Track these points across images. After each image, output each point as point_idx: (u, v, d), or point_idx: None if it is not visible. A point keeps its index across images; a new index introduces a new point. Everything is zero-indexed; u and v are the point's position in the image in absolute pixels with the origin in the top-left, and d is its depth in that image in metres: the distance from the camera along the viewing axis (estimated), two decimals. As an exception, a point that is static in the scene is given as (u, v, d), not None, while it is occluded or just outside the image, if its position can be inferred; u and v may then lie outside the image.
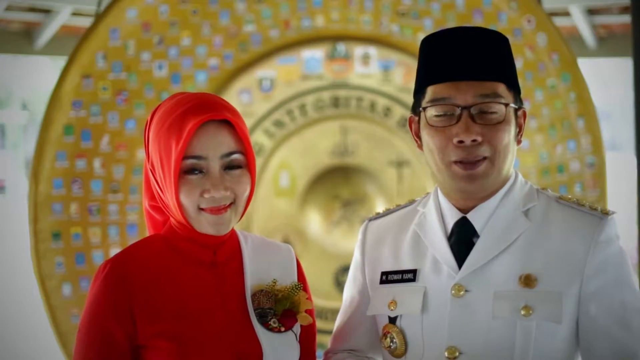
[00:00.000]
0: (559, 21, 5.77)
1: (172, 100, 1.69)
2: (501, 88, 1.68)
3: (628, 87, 4.53)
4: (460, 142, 1.65)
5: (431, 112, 1.69)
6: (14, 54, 8.28)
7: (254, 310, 1.69)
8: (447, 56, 1.68)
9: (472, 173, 1.66)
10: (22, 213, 4.22)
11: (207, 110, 1.63)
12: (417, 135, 1.77)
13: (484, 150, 1.66)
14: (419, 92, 1.74)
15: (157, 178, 1.68)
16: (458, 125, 1.65)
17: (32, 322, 7.22)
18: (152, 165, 1.68)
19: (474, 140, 1.64)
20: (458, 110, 1.65)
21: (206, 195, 1.64)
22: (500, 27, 4.16)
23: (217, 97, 1.71)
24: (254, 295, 1.71)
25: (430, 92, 1.70)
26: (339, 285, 4.23)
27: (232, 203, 1.66)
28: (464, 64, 1.66)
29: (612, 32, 6.72)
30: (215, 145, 1.64)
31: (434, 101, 1.68)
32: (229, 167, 1.66)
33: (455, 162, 1.67)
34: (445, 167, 1.69)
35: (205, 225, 1.66)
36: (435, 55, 1.71)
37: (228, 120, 1.65)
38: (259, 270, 1.75)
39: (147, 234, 1.81)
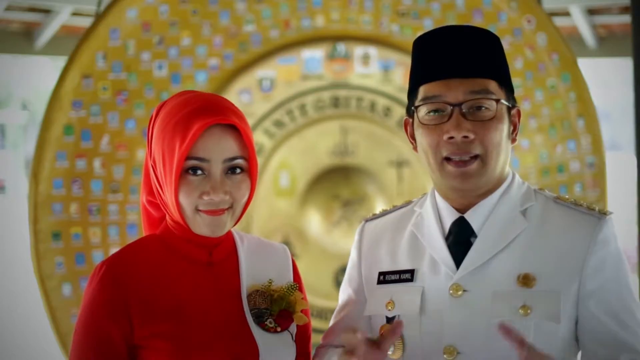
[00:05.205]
0: (559, 21, 5.77)
1: (180, 99, 1.68)
2: (492, 85, 1.68)
3: (628, 87, 4.53)
4: (451, 138, 1.65)
5: (423, 110, 1.69)
6: (14, 54, 8.27)
7: (250, 310, 1.69)
8: (437, 55, 1.69)
9: (465, 171, 1.67)
10: (22, 213, 4.22)
11: (214, 113, 1.62)
12: (413, 137, 1.77)
13: (475, 148, 1.66)
14: (412, 93, 1.74)
15: (157, 175, 1.68)
16: (449, 123, 1.66)
17: (32, 322, 7.22)
18: (154, 162, 1.68)
19: (465, 137, 1.65)
20: (449, 108, 1.66)
21: (205, 198, 1.63)
22: (500, 27, 4.16)
23: (224, 99, 1.70)
24: (249, 295, 1.71)
25: (422, 91, 1.70)
26: (339, 285, 4.21)
27: (230, 207, 1.66)
28: (455, 62, 1.67)
29: (612, 32, 6.72)
30: (219, 149, 1.63)
31: (426, 99, 1.69)
32: (231, 171, 1.65)
33: (448, 160, 1.67)
34: (438, 166, 1.69)
35: (202, 226, 1.66)
36: (426, 54, 1.71)
37: (234, 124, 1.64)
38: (255, 270, 1.75)
39: (144, 229, 1.81)
